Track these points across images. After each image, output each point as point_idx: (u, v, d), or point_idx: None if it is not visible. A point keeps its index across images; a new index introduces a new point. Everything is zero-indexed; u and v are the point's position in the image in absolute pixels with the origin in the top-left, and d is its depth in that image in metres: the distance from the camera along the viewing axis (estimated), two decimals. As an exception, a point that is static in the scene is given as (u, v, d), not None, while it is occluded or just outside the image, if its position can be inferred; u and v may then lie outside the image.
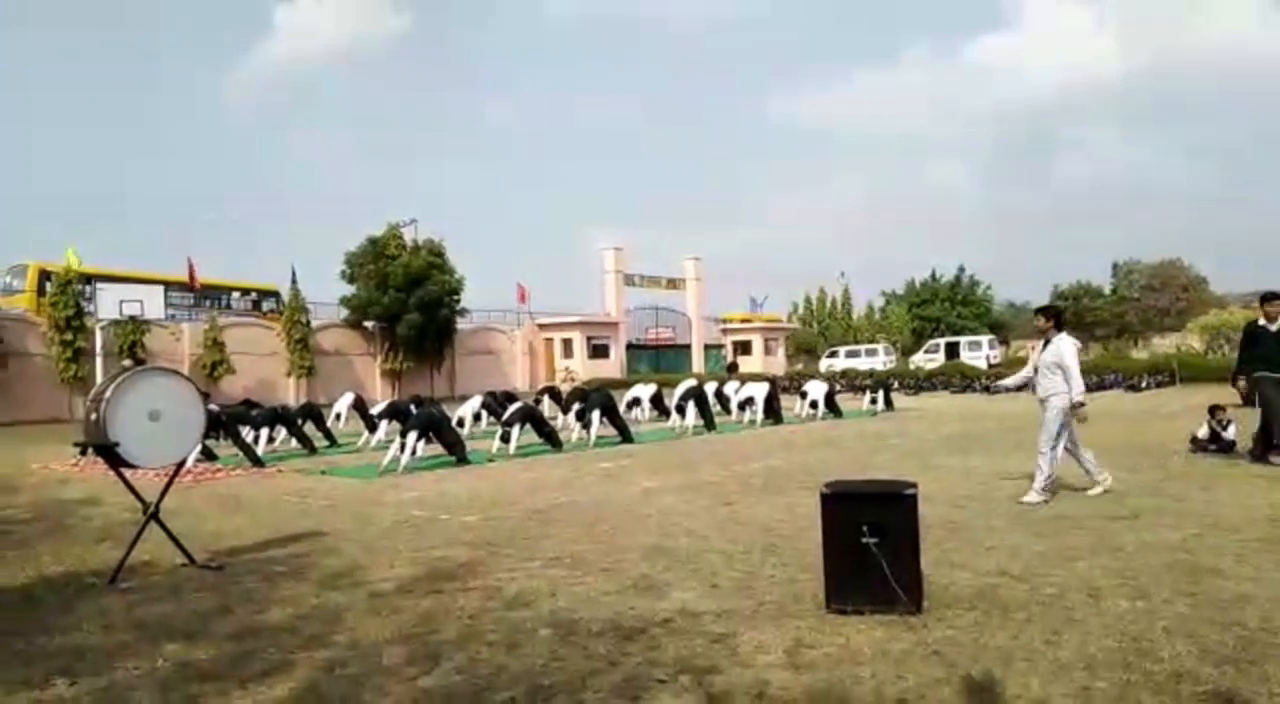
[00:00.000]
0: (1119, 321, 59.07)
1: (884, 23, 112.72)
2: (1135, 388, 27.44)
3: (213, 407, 13.89)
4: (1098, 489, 7.71)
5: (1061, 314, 8.08)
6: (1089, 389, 28.23)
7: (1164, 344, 45.03)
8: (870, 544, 4.30)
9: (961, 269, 59.19)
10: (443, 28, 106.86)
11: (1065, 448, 7.73)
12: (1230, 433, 10.45)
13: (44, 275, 27.69)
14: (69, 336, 25.27)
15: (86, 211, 78.63)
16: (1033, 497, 7.50)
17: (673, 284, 48.17)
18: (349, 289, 34.12)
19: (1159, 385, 28.19)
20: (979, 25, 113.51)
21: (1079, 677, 3.43)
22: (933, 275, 59.60)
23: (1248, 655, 3.60)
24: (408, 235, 34.79)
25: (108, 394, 5.46)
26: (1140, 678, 3.39)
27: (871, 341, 48.56)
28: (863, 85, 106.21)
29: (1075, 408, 7.51)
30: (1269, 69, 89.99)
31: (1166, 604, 4.36)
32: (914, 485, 4.54)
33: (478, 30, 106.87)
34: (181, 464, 6.22)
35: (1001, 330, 56.41)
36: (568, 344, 42.02)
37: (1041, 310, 8.20)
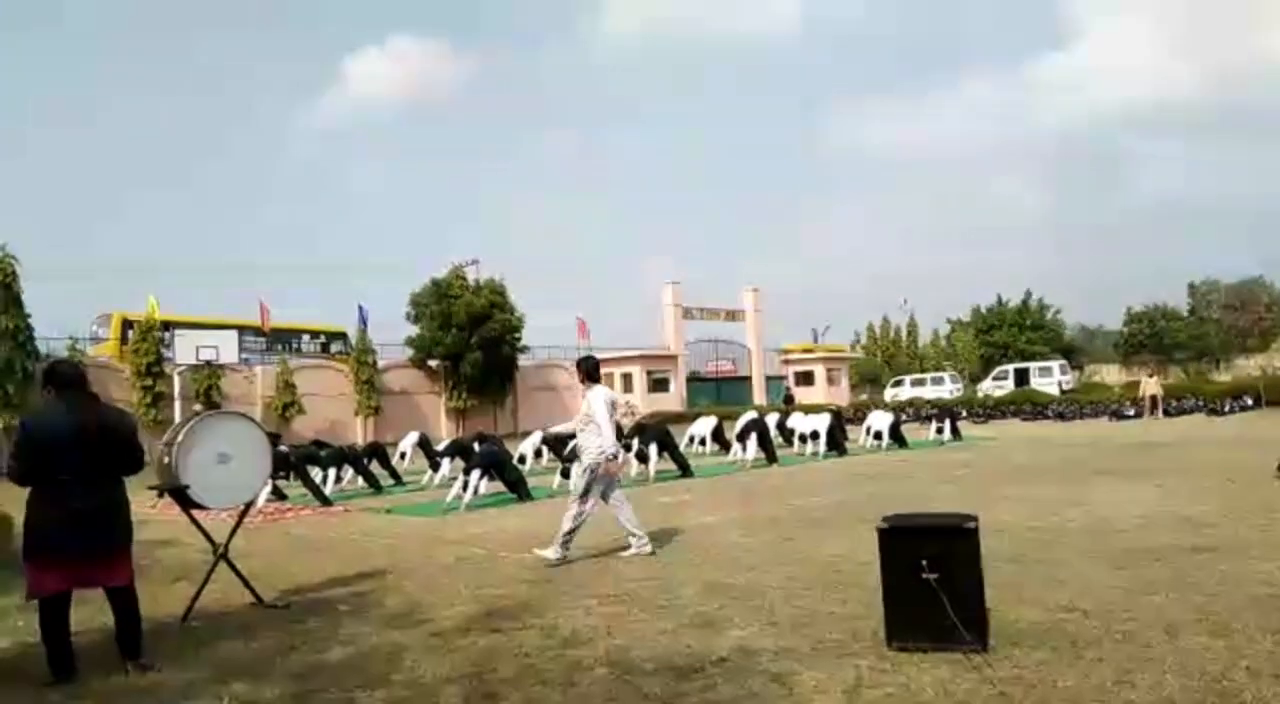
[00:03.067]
0: (1198, 344, 56.84)
1: (945, 44, 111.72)
2: (1217, 412, 26.37)
3: (282, 447, 14.27)
4: (631, 552, 7.26)
5: (595, 366, 7.69)
6: (1170, 414, 26.87)
7: (1247, 366, 43.17)
8: (931, 580, 4.20)
9: (1029, 293, 57.79)
10: (503, 67, 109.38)
11: (614, 505, 7.43)
12: (1320, 458, 9.94)
13: (127, 324, 28.95)
14: (149, 382, 26.27)
15: (163, 259, 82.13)
16: (549, 552, 7.11)
17: (731, 316, 48.03)
18: (414, 329, 34.86)
19: (1243, 409, 27.03)
20: (1041, 43, 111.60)
21: (1154, 719, 3.28)
22: (999, 300, 58.28)
23: (1339, 697, 3.40)
24: (470, 275, 35.48)
25: (179, 438, 5.67)
26: (1220, 720, 3.23)
27: (938, 369, 47.60)
28: (925, 107, 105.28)
29: (609, 461, 7.24)
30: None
31: (1250, 642, 4.15)
32: (975, 518, 4.43)
33: (537, 67, 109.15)
34: (250, 505, 6.40)
35: (1074, 355, 54.77)
36: (628, 378, 42.11)
37: (577, 364, 7.84)
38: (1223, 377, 41.53)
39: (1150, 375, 29.41)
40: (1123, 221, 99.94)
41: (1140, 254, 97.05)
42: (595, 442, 7.30)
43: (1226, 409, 26.74)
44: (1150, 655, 4.01)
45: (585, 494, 7.33)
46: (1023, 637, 4.39)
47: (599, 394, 7.42)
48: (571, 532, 7.24)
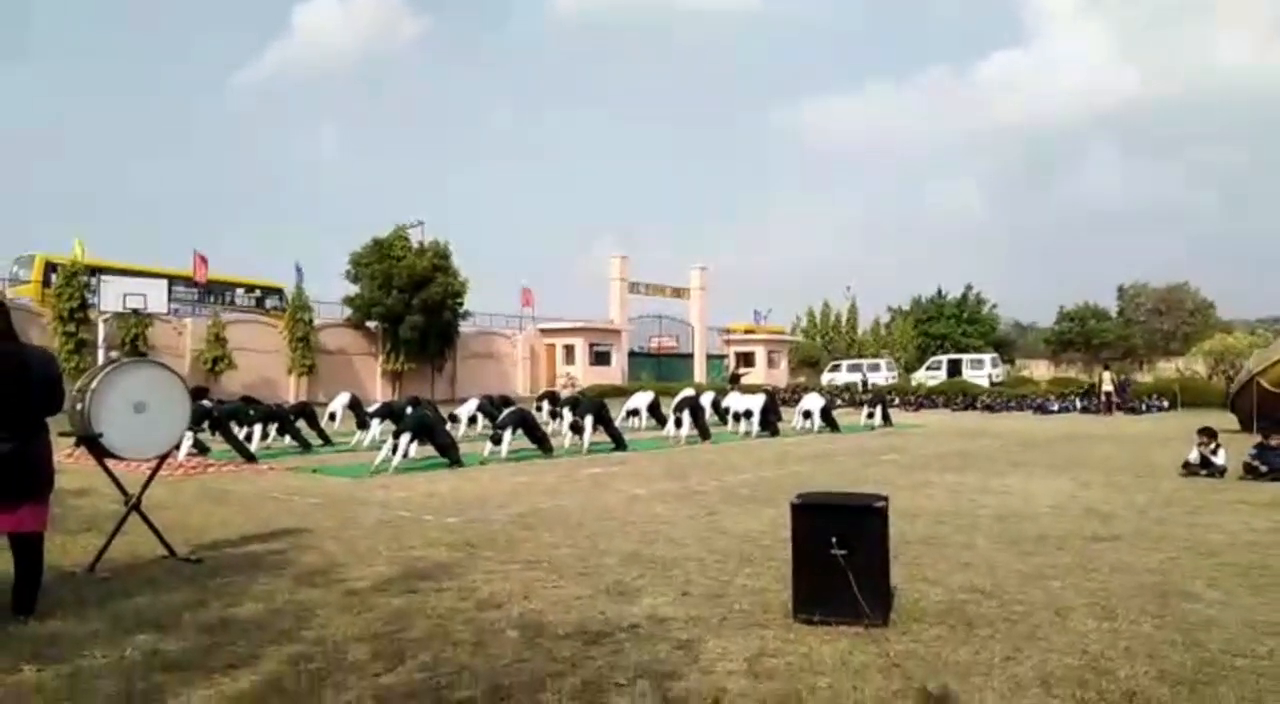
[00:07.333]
0: (1124, 344, 58.87)
1: (897, 38, 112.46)
2: (1136, 411, 27.47)
3: (206, 401, 13.96)
4: None
5: None
6: (1093, 411, 27.23)
7: (1168, 368, 44.86)
8: (839, 556, 4.32)
9: (969, 287, 59.18)
10: (457, 32, 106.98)
11: None
12: (1220, 458, 10.43)
13: (50, 267, 27.88)
14: (72, 328, 25.39)
15: (93, 207, 78.90)
16: None
17: (677, 293, 48.25)
18: (353, 288, 34.23)
19: (1159, 410, 28.16)
20: (994, 41, 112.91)
21: (1034, 694, 3.44)
22: (939, 292, 59.58)
23: (1204, 677, 3.61)
24: (414, 237, 34.90)
25: (93, 385, 5.52)
26: (1094, 696, 3.41)
27: (875, 356, 48.50)
28: (874, 99, 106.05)
29: None
30: (1268, 98, 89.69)
31: (1132, 625, 4.37)
32: (884, 498, 4.56)
33: (491, 34, 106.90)
34: (165, 456, 6.26)
35: (1006, 349, 56.30)
36: (570, 350, 42.06)
37: None
38: (1146, 377, 43.05)
39: (1106, 369, 29.87)
40: (1057, 225, 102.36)
41: (1074, 255, 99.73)
42: None
43: (1144, 408, 27.85)
44: (1039, 635, 4.20)
45: None
46: (924, 614, 4.56)
47: None
48: None
